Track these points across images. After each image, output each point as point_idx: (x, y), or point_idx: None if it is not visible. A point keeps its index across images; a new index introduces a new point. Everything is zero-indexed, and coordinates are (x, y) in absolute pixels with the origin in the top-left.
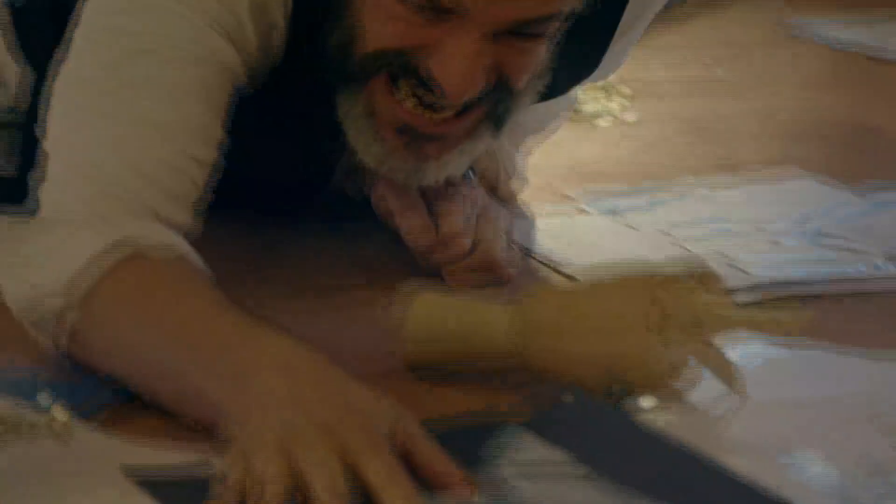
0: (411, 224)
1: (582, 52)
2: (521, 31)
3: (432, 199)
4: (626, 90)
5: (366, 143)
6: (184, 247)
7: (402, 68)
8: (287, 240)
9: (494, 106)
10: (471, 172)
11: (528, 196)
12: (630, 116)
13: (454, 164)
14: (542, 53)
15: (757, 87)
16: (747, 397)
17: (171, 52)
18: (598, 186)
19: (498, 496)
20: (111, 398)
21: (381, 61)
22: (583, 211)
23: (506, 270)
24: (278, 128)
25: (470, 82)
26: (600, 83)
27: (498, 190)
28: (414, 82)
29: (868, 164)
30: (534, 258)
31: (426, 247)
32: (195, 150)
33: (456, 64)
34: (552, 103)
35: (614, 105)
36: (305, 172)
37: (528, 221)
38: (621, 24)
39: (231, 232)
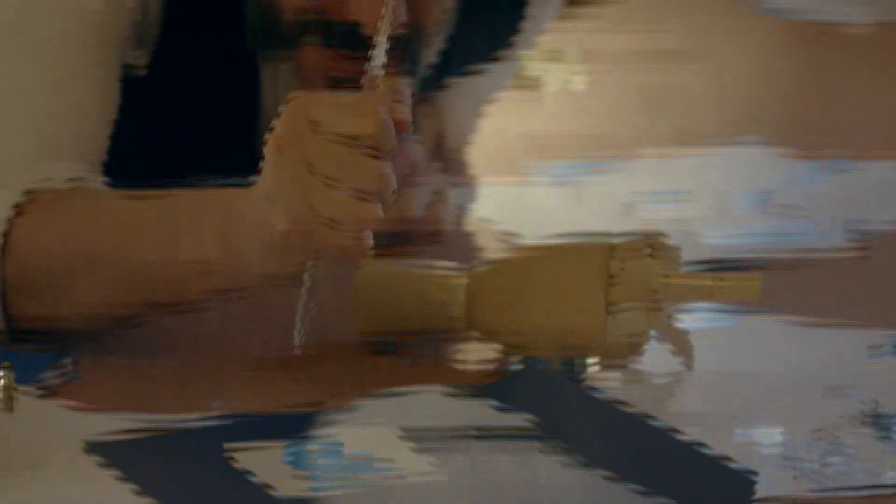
0: None
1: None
2: None
3: None
4: (572, 54)
5: None
6: (80, 176)
7: (325, 27)
8: None
9: (405, 47)
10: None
11: (477, 162)
12: (577, 80)
13: None
14: None
15: (710, 56)
16: (698, 368)
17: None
18: (552, 158)
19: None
20: (60, 361)
21: (308, 20)
22: (533, 179)
23: (432, 230)
24: (193, 100)
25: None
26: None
27: (442, 148)
28: (336, 44)
29: (827, 135)
30: (481, 225)
31: None
32: (80, 98)
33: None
34: (497, 70)
35: (560, 70)
36: (225, 144)
37: (474, 186)
38: None
39: None
